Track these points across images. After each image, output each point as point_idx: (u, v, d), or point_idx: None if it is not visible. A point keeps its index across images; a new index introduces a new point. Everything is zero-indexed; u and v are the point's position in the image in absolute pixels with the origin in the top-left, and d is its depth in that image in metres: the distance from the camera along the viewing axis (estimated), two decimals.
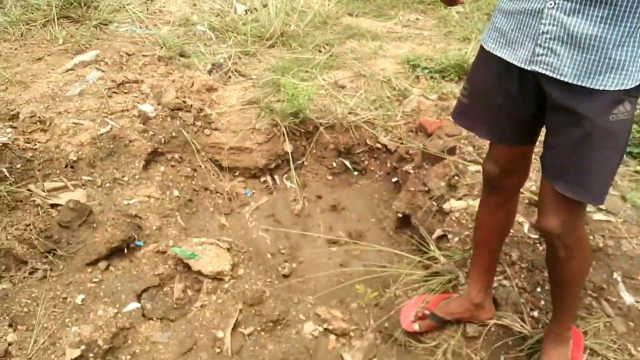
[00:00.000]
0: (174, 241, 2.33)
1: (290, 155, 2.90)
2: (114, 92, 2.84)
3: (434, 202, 2.46)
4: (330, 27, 3.96)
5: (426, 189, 2.57)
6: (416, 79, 3.31)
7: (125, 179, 2.51)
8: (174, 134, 2.77)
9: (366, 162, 3.02)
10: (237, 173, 2.88)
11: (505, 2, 1.40)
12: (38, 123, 2.57)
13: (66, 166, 2.46)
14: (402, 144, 2.86)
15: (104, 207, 2.33)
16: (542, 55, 1.31)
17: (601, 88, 1.25)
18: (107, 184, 2.47)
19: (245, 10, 4.10)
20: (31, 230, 2.20)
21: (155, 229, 2.37)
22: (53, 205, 2.31)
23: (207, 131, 2.88)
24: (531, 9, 1.31)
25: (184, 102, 2.90)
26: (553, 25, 1.27)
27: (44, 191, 2.36)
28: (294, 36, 3.76)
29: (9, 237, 2.14)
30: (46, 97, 2.76)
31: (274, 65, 3.41)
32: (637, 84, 1.25)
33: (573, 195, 1.36)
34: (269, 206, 2.80)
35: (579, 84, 1.26)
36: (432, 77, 3.32)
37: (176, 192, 2.60)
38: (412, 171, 2.73)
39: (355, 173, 3.03)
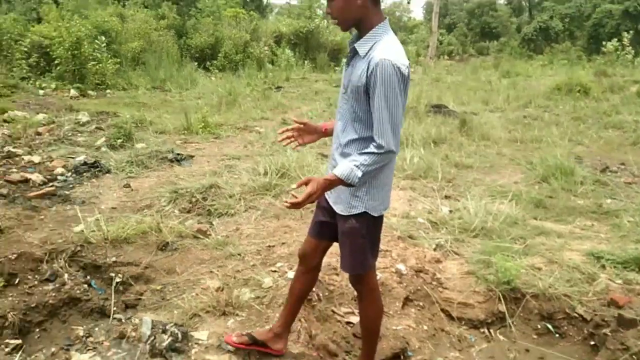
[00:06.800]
0: None
1: (505, 315, 3.78)
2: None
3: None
4: (520, 226, 5.03)
5: (624, 347, 3.25)
6: (602, 267, 4.13)
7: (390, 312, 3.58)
8: (418, 288, 3.85)
9: (565, 327, 3.75)
10: (463, 322, 3.79)
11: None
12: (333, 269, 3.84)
13: (351, 299, 3.62)
14: (596, 314, 3.60)
15: None
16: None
17: (337, 212, 2.53)
18: None
19: (449, 211, 5.38)
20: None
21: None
22: (347, 323, 3.42)
23: (440, 289, 3.92)
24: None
25: (423, 267, 4.03)
26: None
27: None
28: (492, 230, 4.88)
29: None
30: None
31: (480, 249, 4.48)
32: (351, 213, 2.47)
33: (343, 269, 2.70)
34: (489, 351, 3.62)
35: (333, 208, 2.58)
36: (615, 267, 4.12)
37: (425, 327, 3.58)
38: (609, 334, 3.43)
39: (557, 335, 3.76)
